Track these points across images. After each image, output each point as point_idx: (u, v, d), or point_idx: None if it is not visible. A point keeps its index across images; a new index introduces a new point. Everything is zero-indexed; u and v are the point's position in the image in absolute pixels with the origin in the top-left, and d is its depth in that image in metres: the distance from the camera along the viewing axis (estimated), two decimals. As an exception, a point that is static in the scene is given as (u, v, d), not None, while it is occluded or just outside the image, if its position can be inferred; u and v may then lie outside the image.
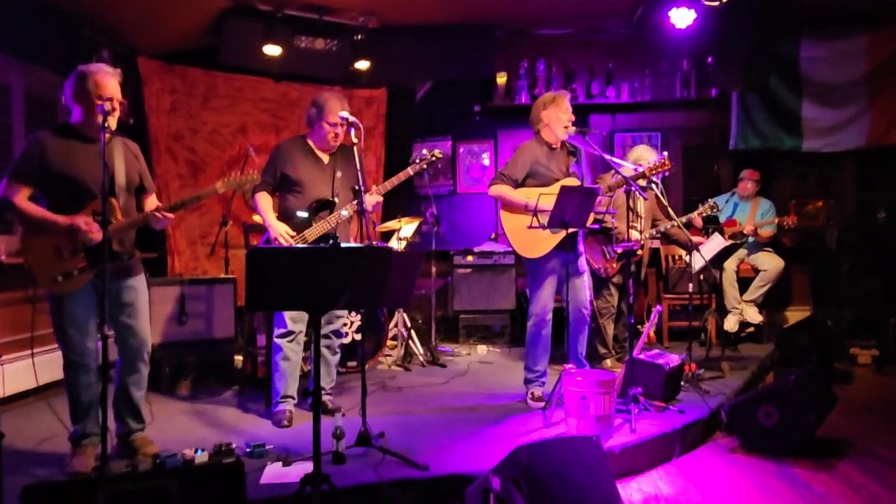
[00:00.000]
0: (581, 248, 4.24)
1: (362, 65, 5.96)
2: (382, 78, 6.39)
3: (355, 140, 3.43)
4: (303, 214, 3.76)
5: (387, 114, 6.84)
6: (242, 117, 6.29)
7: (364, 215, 3.39)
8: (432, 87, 6.88)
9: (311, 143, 3.91)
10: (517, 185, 4.11)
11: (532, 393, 4.16)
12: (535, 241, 4.04)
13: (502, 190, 4.10)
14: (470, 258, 6.35)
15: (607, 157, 3.98)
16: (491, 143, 7.06)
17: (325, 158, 3.91)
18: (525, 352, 4.26)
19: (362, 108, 6.73)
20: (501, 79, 6.71)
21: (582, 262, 4.22)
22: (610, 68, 6.76)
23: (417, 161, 3.87)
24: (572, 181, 4.09)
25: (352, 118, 3.50)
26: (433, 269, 5.84)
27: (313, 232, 3.75)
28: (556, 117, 4.12)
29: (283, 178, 3.85)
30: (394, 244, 5.43)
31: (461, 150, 7.10)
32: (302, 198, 3.82)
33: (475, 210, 6.96)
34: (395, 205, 6.21)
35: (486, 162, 7.08)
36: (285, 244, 3.67)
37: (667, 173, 4.39)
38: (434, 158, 3.88)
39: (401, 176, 3.81)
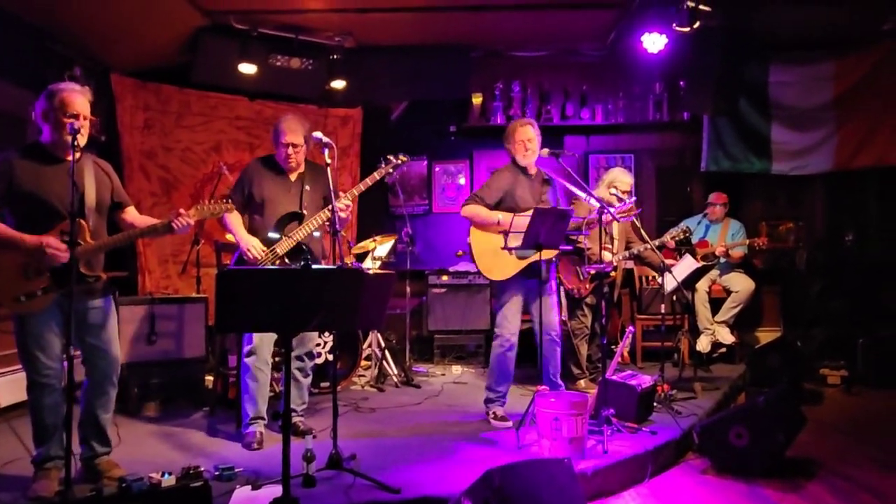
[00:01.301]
0: (552, 273, 4.32)
1: (338, 84, 6.00)
2: (358, 97, 6.43)
3: (328, 160, 3.44)
4: (274, 236, 3.77)
5: (362, 133, 6.87)
6: (217, 135, 6.29)
7: (337, 236, 3.39)
8: (408, 107, 6.92)
9: (277, 161, 3.94)
10: (490, 209, 4.18)
11: (494, 412, 4.20)
12: (501, 264, 4.13)
13: (475, 209, 4.17)
14: (445, 278, 6.37)
15: (573, 187, 4.08)
16: (466, 163, 7.11)
17: (293, 177, 3.93)
18: (488, 372, 4.32)
19: (338, 128, 6.76)
20: (477, 99, 6.79)
21: (552, 285, 4.29)
22: (584, 90, 6.86)
23: (384, 164, 3.92)
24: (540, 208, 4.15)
25: (325, 139, 3.52)
26: (408, 289, 5.85)
27: (283, 245, 3.76)
28: (515, 148, 4.26)
29: (249, 197, 3.87)
30: (368, 264, 5.43)
31: (437, 169, 7.14)
32: (267, 217, 3.83)
33: (450, 230, 6.98)
34: (369, 224, 6.22)
35: (462, 181, 7.12)
36: (256, 256, 3.67)
37: (633, 216, 4.49)
38: (400, 162, 3.93)
39: (367, 181, 3.87)
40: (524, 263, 4.12)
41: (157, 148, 6.04)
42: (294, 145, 3.83)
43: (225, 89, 6.12)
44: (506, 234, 3.96)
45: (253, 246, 3.71)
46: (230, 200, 3.39)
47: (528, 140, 4.24)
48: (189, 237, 5.53)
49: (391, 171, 3.94)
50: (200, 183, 6.19)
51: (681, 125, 6.83)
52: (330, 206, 3.63)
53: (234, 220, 3.81)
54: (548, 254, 4.13)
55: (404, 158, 3.96)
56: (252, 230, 3.85)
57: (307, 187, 3.90)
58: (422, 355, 6.43)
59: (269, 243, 3.77)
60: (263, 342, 3.79)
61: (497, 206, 4.19)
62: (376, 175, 3.89)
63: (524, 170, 4.27)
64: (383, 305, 2.95)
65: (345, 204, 3.78)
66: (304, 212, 3.84)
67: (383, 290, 2.94)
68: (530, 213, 3.88)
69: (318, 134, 3.63)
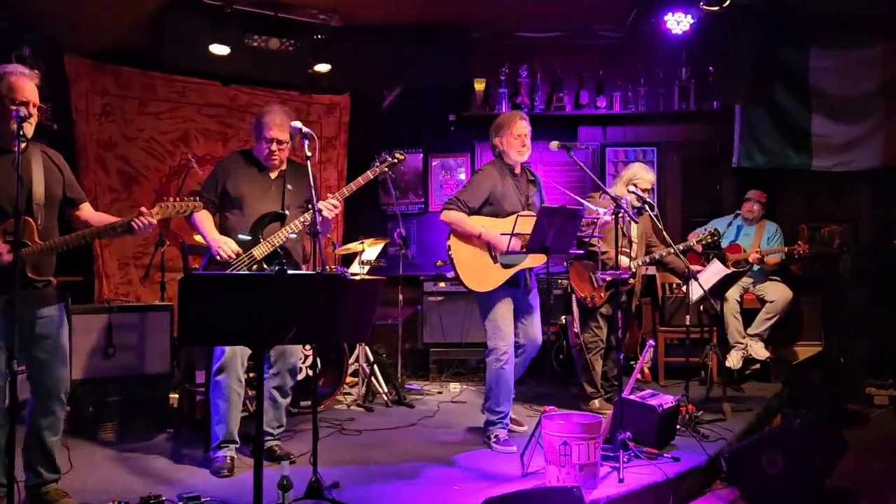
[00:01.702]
0: (533, 282, 4.44)
1: (322, 68, 6.00)
2: (345, 83, 6.44)
3: (309, 153, 3.44)
4: (245, 237, 3.77)
5: (350, 123, 6.88)
6: (185, 124, 6.30)
7: (317, 238, 3.39)
8: (401, 94, 6.94)
9: (256, 156, 3.95)
10: (473, 213, 4.26)
11: (496, 436, 4.21)
12: (486, 274, 4.20)
13: (456, 217, 4.23)
14: (442, 284, 6.37)
15: (573, 195, 4.06)
16: (467, 157, 7.12)
17: (273, 174, 3.94)
18: (486, 391, 4.34)
19: (322, 116, 6.77)
20: (479, 85, 6.79)
21: (534, 297, 4.42)
22: (601, 76, 6.87)
23: (378, 164, 3.93)
24: (525, 217, 4.19)
25: (305, 129, 3.53)
26: (400, 297, 5.85)
27: (262, 249, 3.76)
28: (510, 143, 4.30)
29: (223, 194, 3.87)
30: (355, 269, 5.44)
31: (434, 163, 7.14)
32: (243, 217, 3.83)
33: (448, 231, 7.00)
34: (357, 224, 6.21)
35: (462, 177, 7.13)
36: (228, 255, 3.68)
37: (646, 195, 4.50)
38: (396, 160, 3.95)
39: (360, 180, 3.88)
40: (512, 271, 4.21)
41: (117, 137, 6.05)
42: (279, 141, 3.84)
43: (195, 73, 6.13)
44: (510, 236, 4.03)
45: (225, 243, 3.72)
46: (199, 198, 3.40)
47: (525, 135, 4.30)
48: (152, 238, 5.54)
49: (386, 170, 3.96)
50: (166, 177, 6.20)
51: (709, 115, 6.82)
52: (324, 204, 3.66)
53: (204, 219, 3.81)
54: (535, 260, 4.22)
55: (401, 156, 3.98)
56: (225, 231, 3.84)
57: (289, 186, 3.91)
58: (416, 371, 6.42)
59: (239, 245, 3.77)
60: (236, 357, 3.79)
61: (480, 210, 4.26)
62: (369, 174, 3.90)
63: (511, 169, 4.35)
64: (369, 315, 2.95)
65: (332, 204, 3.78)
66: (287, 212, 3.84)
67: (369, 297, 2.94)
68: (523, 213, 3.96)
69: (297, 123, 3.64)
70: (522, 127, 4.29)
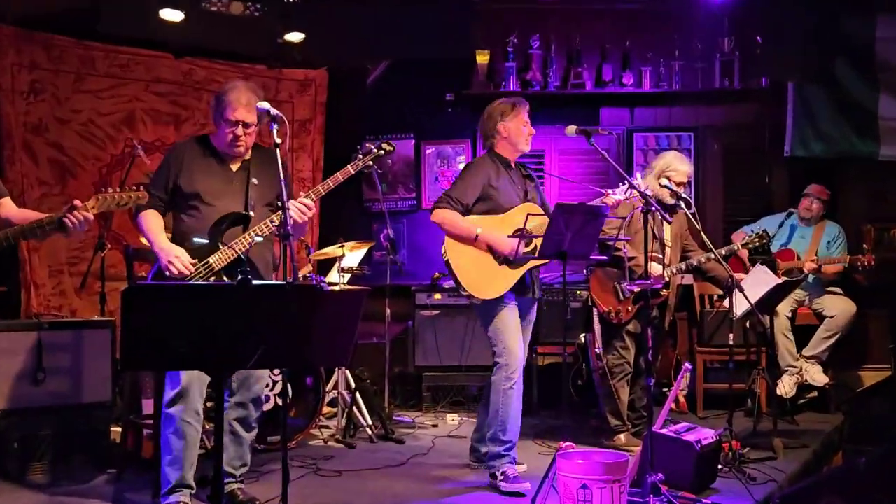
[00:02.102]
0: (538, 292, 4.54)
1: (295, 37, 6.02)
2: (322, 55, 6.45)
3: (278, 140, 3.44)
4: (200, 241, 3.74)
5: (328, 103, 6.89)
6: (129, 104, 6.30)
7: (289, 240, 3.39)
8: (389, 69, 6.96)
9: (214, 144, 3.93)
10: (466, 210, 4.34)
11: (504, 473, 4.21)
12: (491, 278, 4.26)
13: (448, 216, 4.32)
14: (438, 296, 6.37)
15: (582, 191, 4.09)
16: (467, 143, 7.14)
17: (235, 165, 3.94)
18: (489, 417, 4.35)
19: (294, 95, 6.78)
20: (482, 59, 6.81)
21: (534, 309, 4.53)
22: (627, 48, 6.89)
23: (361, 156, 3.93)
24: (532, 207, 4.33)
25: (274, 111, 3.52)
26: (388, 311, 5.85)
27: (221, 257, 3.75)
28: (518, 129, 4.42)
29: (175, 191, 3.84)
30: (334, 277, 5.44)
31: (428, 151, 7.16)
32: (201, 217, 3.80)
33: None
34: (336, 224, 6.20)
35: (462, 167, 7.13)
36: (181, 272, 3.67)
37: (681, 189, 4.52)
38: (383, 152, 3.97)
39: (338, 176, 3.87)
40: (522, 270, 4.29)
41: (49, 120, 6.05)
42: (246, 124, 3.81)
43: (142, 43, 6.13)
44: (519, 237, 4.07)
45: (176, 257, 3.68)
46: (143, 188, 3.38)
47: (528, 122, 4.45)
48: (91, 240, 5.53)
49: (370, 163, 3.96)
50: (107, 168, 6.20)
51: (757, 95, 6.86)
52: (294, 203, 3.66)
53: (153, 220, 3.79)
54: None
55: (389, 147, 4.00)
56: (178, 237, 3.82)
57: (254, 180, 3.89)
58: (406, 400, 6.43)
59: (194, 253, 3.74)
60: (192, 384, 3.76)
61: (473, 207, 4.35)
62: (350, 169, 3.89)
63: (506, 162, 4.47)
64: (350, 333, 2.94)
65: (304, 204, 3.77)
66: (251, 213, 3.84)
67: (350, 312, 2.93)
68: (532, 210, 4.04)
69: (263, 104, 3.63)
70: (525, 113, 4.46)
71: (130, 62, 6.28)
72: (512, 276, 4.27)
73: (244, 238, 3.77)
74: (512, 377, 4.27)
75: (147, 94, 6.36)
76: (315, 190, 3.87)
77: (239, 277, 2.59)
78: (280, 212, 3.65)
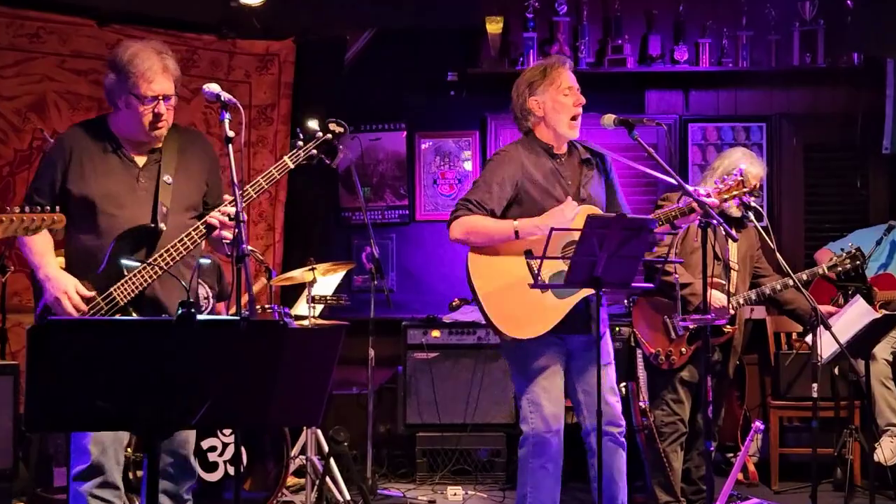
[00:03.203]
0: (605, 324, 4.29)
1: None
2: (288, 22, 6.44)
3: (231, 133, 3.40)
4: (131, 263, 3.67)
5: (295, 84, 6.88)
6: (40, 85, 6.30)
7: (244, 262, 3.35)
8: (374, 41, 6.97)
9: (115, 131, 3.84)
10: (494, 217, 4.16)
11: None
12: (529, 309, 4.09)
13: (470, 223, 4.13)
14: (436, 333, 6.36)
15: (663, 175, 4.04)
16: (474, 136, 7.16)
17: (141, 158, 3.84)
18: (516, 499, 4.29)
19: (252, 74, 6.78)
20: (494, 28, 6.81)
21: (607, 345, 4.28)
22: (680, 14, 6.92)
23: (301, 143, 3.82)
24: (592, 210, 4.14)
25: (225, 95, 3.48)
26: (371, 353, 5.79)
27: (129, 287, 3.66)
28: (555, 102, 4.22)
29: (64, 197, 3.74)
30: (302, 309, 5.42)
31: (424, 145, 7.17)
32: (100, 233, 3.71)
33: (447, 250, 6.94)
34: (306, 240, 6.18)
35: (468, 166, 7.14)
36: (73, 310, 3.59)
37: (750, 198, 4.45)
38: (330, 136, 3.84)
39: (273, 173, 3.76)
40: (572, 302, 4.08)
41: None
42: (167, 97, 3.73)
43: (56, 6, 6.13)
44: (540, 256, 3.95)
45: (64, 292, 3.60)
46: (58, 209, 3.33)
47: (572, 90, 4.21)
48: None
49: (314, 153, 3.86)
50: (9, 167, 6.21)
51: (847, 75, 6.88)
52: (214, 214, 3.57)
53: (38, 239, 3.68)
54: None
55: (338, 129, 3.86)
56: (74, 259, 3.76)
57: (166, 178, 3.79)
58: (395, 468, 6.43)
59: (105, 276, 3.66)
60: (108, 451, 3.71)
61: (505, 215, 4.20)
62: (288, 162, 3.78)
63: (549, 147, 4.28)
64: (323, 382, 2.94)
65: (226, 213, 3.67)
66: (162, 225, 3.75)
67: (323, 355, 2.92)
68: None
69: (212, 87, 3.57)
70: (567, 77, 4.23)
71: (41, 31, 6.29)
72: (559, 306, 4.08)
73: (157, 261, 3.68)
74: (540, 452, 4.15)
75: (62, 71, 6.35)
76: (246, 191, 3.70)
77: (180, 310, 2.55)
78: (210, 217, 3.63)
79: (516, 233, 4.05)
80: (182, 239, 3.69)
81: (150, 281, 3.67)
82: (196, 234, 3.69)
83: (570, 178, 4.27)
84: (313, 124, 3.87)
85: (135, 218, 3.73)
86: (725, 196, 4.30)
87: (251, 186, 3.77)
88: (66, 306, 3.58)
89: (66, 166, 3.76)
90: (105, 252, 3.68)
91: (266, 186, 3.79)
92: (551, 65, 4.28)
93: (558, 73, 4.23)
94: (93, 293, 3.64)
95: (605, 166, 4.39)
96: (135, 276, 3.65)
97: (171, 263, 3.68)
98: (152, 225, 3.73)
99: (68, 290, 3.60)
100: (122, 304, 3.65)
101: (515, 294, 4.06)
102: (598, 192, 4.31)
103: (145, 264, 3.65)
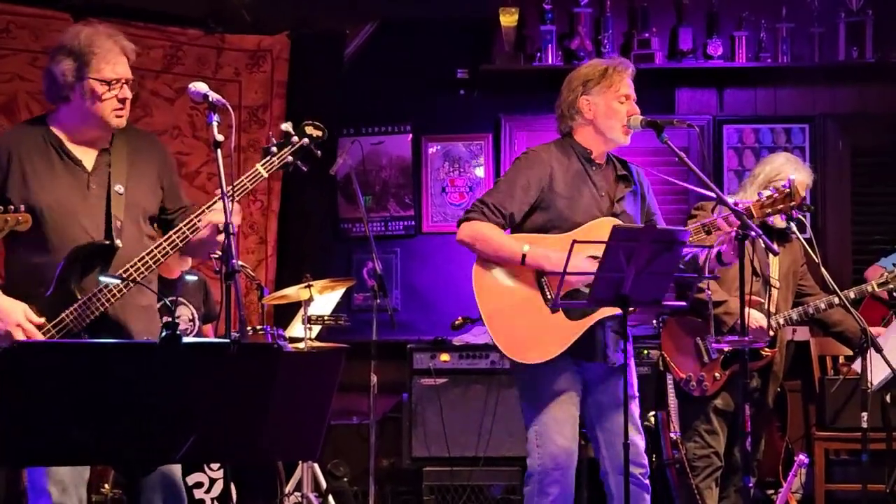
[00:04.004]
0: (627, 348, 4.19)
1: (244, -10, 6.05)
2: (282, 16, 6.46)
3: (220, 137, 3.40)
4: (109, 279, 3.64)
5: (289, 82, 6.90)
6: (10, 84, 6.37)
7: (233, 279, 3.34)
8: (377, 35, 6.99)
9: (57, 131, 3.81)
10: (513, 227, 4.18)
11: None
12: (539, 331, 4.10)
13: (480, 231, 4.14)
14: (445, 357, 6.37)
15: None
16: (487, 139, 7.18)
17: (89, 160, 3.80)
18: None
19: (242, 71, 6.80)
20: (508, 19, 6.82)
21: (631, 376, 4.25)
22: (714, 4, 6.92)
23: (274, 149, 3.79)
24: (615, 222, 4.13)
25: (214, 96, 3.48)
26: (374, 379, 5.78)
27: (82, 312, 3.60)
28: (608, 108, 4.23)
29: (4, 204, 3.63)
30: (297, 330, 5.41)
31: (431, 150, 7.18)
32: (48, 248, 3.66)
33: (458, 265, 6.94)
34: (301, 255, 6.18)
35: (480, 172, 7.14)
36: (19, 338, 3.49)
37: (798, 212, 4.44)
38: (308, 141, 3.82)
39: (244, 183, 3.73)
40: (586, 324, 4.06)
41: None
42: (128, 80, 3.72)
43: (29, -1, 6.17)
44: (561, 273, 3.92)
45: (18, 324, 3.50)
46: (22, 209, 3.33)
47: (629, 98, 4.24)
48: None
49: (290, 159, 3.84)
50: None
51: (897, 72, 6.88)
52: (189, 224, 3.56)
53: None
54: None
55: (316, 132, 3.83)
56: (17, 278, 3.73)
57: (118, 187, 3.75)
58: (400, 505, 6.42)
59: (62, 301, 3.61)
60: (68, 489, 3.65)
61: (526, 220, 4.20)
62: (260, 170, 3.76)
63: (586, 153, 4.28)
64: (321, 412, 2.94)
65: (187, 231, 3.65)
66: (118, 241, 3.70)
67: (321, 381, 2.94)
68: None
69: (198, 87, 3.57)
70: (629, 84, 4.25)
71: (11, 25, 6.34)
72: (572, 328, 4.08)
73: (107, 283, 3.64)
74: (549, 490, 4.15)
75: (34, 69, 6.34)
76: (213, 202, 3.66)
77: (163, 332, 2.56)
78: (174, 235, 3.62)
79: (524, 257, 4.05)
80: (152, 251, 3.65)
81: (107, 305, 3.61)
82: (168, 245, 3.64)
83: (606, 190, 4.27)
84: (287, 127, 3.84)
85: (85, 230, 3.68)
86: (769, 210, 4.28)
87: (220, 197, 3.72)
88: (21, 331, 3.50)
89: (6, 172, 3.70)
90: (55, 270, 3.60)
91: (238, 197, 3.65)
92: (614, 66, 4.30)
93: (619, 78, 4.25)
94: (42, 319, 3.56)
95: (642, 188, 4.39)
96: (90, 299, 3.59)
97: (139, 280, 3.62)
98: (107, 242, 3.68)
99: (20, 322, 3.52)
100: (75, 330, 3.59)
101: (523, 313, 4.09)
102: (633, 211, 4.31)
103: (125, 280, 3.59)
